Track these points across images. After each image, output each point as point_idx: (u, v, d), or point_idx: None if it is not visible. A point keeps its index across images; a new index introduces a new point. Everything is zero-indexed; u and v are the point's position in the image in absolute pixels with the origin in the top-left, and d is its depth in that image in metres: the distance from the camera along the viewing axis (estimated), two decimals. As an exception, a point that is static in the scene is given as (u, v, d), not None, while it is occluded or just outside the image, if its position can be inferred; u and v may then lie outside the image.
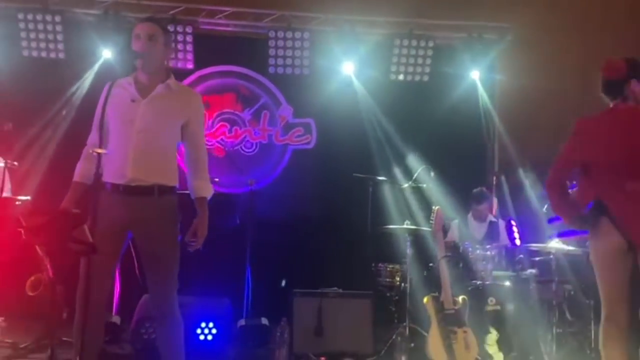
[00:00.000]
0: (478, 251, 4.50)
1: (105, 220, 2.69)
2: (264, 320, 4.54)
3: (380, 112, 6.54)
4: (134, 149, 2.78)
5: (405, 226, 4.53)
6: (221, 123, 6.67)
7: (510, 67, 6.71)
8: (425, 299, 3.95)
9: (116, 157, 2.80)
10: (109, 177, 2.81)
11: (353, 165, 5.80)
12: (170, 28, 6.31)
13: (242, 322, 4.49)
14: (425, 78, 6.69)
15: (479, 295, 4.24)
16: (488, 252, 4.49)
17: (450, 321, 3.84)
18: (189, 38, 6.43)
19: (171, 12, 6.40)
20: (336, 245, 5.71)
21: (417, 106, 6.61)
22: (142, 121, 2.80)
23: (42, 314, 3.91)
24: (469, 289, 4.29)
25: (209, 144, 6.60)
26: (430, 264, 4.59)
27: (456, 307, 3.88)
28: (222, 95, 6.73)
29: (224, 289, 4.71)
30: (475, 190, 5.30)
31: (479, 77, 6.69)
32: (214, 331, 4.13)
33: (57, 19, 6.14)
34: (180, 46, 6.45)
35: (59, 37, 6.18)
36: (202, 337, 4.12)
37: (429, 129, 6.39)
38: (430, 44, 6.58)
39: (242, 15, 6.62)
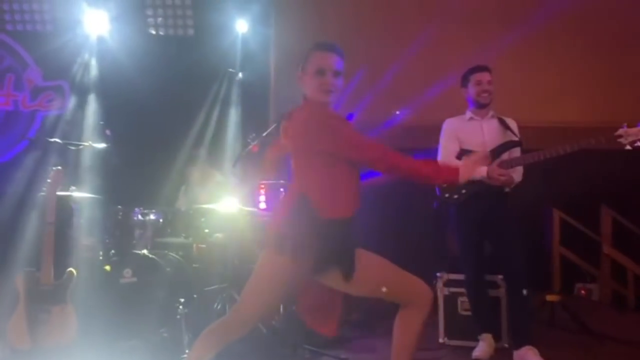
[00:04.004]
0: (138, 217, 3.88)
1: None
2: None
3: (136, 71, 5.81)
4: None
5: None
6: (-42, 89, 5.92)
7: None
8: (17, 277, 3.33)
9: None
10: None
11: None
12: None
13: None
14: (190, 31, 6.06)
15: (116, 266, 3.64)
16: (149, 217, 3.90)
17: (44, 299, 3.24)
18: None
19: None
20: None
21: (180, 62, 5.95)
22: None
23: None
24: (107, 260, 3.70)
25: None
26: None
27: (56, 283, 3.28)
28: (-41, 57, 5.98)
29: None
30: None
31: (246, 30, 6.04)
32: None
33: None
34: None
35: None
36: None
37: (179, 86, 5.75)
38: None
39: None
